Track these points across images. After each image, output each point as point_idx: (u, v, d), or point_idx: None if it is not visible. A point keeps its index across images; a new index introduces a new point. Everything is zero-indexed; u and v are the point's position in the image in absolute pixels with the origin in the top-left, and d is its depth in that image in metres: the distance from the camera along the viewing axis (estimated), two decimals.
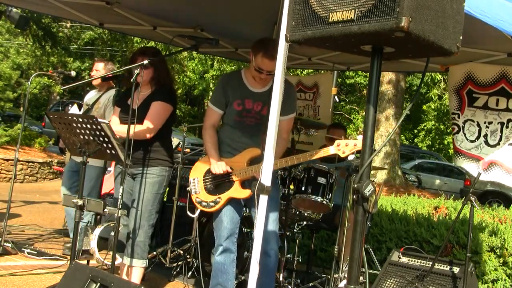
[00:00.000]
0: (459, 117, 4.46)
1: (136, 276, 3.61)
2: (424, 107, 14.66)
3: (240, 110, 3.33)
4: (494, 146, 4.18)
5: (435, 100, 15.04)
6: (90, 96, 5.15)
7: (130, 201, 3.60)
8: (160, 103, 3.57)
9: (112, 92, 4.98)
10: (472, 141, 4.32)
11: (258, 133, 3.33)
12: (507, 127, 4.13)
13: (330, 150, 2.95)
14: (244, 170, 3.23)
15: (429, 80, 15.99)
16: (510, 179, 4.07)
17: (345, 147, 2.90)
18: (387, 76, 13.88)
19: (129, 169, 3.59)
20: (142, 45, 19.10)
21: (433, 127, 24.84)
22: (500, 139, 4.15)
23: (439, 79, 15.39)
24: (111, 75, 4.12)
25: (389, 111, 14.19)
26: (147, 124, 3.49)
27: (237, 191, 3.25)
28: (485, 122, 4.26)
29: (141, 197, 3.57)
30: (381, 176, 13.71)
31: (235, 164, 3.29)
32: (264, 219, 2.37)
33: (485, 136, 4.23)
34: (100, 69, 5.03)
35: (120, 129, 3.43)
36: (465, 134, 4.38)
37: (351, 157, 2.97)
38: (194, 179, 3.43)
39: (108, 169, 5.93)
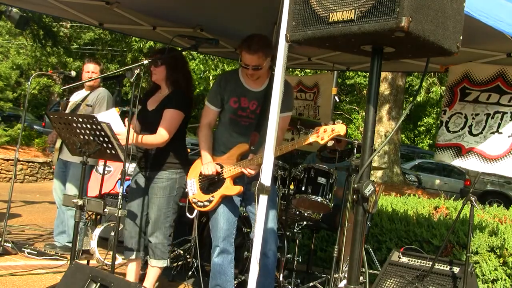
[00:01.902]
0: (445, 113, 4.54)
1: (152, 275, 3.67)
2: (410, 98, 14.55)
3: (235, 108, 3.34)
4: (476, 135, 4.24)
5: (422, 94, 14.98)
6: (77, 97, 5.09)
7: (145, 205, 3.65)
8: (172, 111, 3.55)
9: (99, 91, 4.95)
10: (454, 132, 4.39)
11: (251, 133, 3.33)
12: (492, 118, 4.18)
13: (310, 138, 2.87)
14: (233, 167, 3.23)
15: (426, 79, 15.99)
16: (486, 167, 4.11)
17: (324, 133, 2.80)
18: (382, 75, 13.88)
19: (143, 173, 3.66)
20: (141, 45, 19.09)
21: (434, 125, 24.85)
22: (484, 129, 4.21)
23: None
24: (112, 75, 4.12)
25: (388, 111, 14.19)
26: (160, 133, 3.50)
27: (229, 188, 3.25)
28: (472, 114, 4.33)
29: (155, 202, 3.59)
30: (380, 175, 13.70)
31: (226, 162, 3.30)
32: (264, 219, 2.37)
33: (470, 126, 4.31)
34: (91, 70, 4.99)
35: (139, 139, 3.45)
36: (448, 128, 4.44)
37: (330, 143, 2.85)
38: (191, 180, 3.44)
39: (108, 168, 5.93)
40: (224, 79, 3.43)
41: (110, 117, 3.52)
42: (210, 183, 3.33)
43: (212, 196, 3.29)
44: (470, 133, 4.28)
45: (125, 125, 3.51)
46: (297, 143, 3.00)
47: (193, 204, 3.43)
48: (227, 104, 3.37)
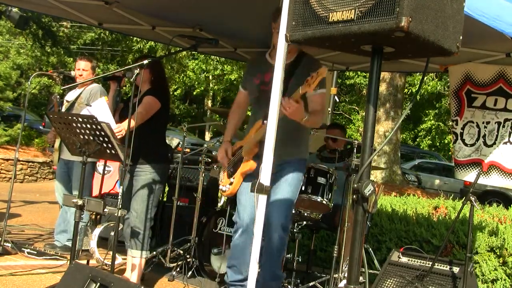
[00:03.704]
0: (457, 124, 4.44)
1: (134, 270, 3.78)
2: (406, 90, 14.37)
3: (258, 84, 3.32)
4: (491, 146, 4.17)
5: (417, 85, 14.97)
6: (72, 95, 5.06)
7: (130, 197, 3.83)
8: (148, 97, 3.84)
9: (91, 87, 4.92)
10: (471, 145, 4.28)
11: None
12: (503, 126, 4.12)
13: (300, 90, 2.79)
14: (248, 143, 3.21)
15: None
16: (508, 182, 4.06)
17: (311, 79, 2.71)
18: (381, 75, 13.83)
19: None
20: (141, 45, 19.13)
21: (433, 126, 24.84)
22: (496, 138, 4.14)
23: None
24: (112, 75, 4.12)
25: (387, 110, 14.19)
26: (137, 112, 3.68)
27: (244, 165, 3.23)
28: (483, 122, 4.26)
29: (136, 194, 3.79)
30: (379, 175, 13.70)
31: (245, 142, 3.30)
32: (263, 218, 2.36)
33: (484, 136, 4.22)
34: (81, 67, 4.92)
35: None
36: (463, 140, 4.33)
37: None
38: (220, 169, 3.46)
39: (108, 168, 5.92)
40: (251, 61, 3.49)
41: (99, 106, 3.61)
42: (234, 166, 3.33)
43: (233, 178, 3.29)
44: (485, 144, 4.18)
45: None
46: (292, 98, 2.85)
47: (221, 192, 3.43)
48: (251, 84, 3.38)
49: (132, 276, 3.80)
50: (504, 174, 4.07)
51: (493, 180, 4.12)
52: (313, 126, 3.22)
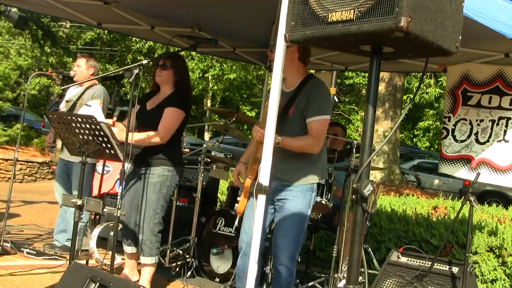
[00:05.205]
0: (449, 120, 4.45)
1: (145, 274, 3.72)
2: (404, 97, 14.39)
3: None
4: (484, 143, 4.19)
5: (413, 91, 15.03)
6: (72, 93, 5.05)
7: (136, 200, 3.71)
8: (172, 109, 3.64)
9: (95, 88, 4.89)
10: (462, 141, 4.30)
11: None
12: (497, 124, 4.14)
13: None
14: (250, 162, 3.17)
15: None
16: (497, 178, 4.08)
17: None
18: (380, 75, 13.83)
19: (136, 168, 3.74)
20: (140, 45, 19.11)
21: (431, 127, 24.84)
22: (490, 136, 4.16)
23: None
24: (111, 75, 4.11)
25: (386, 110, 14.19)
26: (160, 131, 3.57)
27: (245, 182, 3.17)
28: (477, 120, 4.28)
29: (144, 197, 3.66)
30: (379, 175, 13.70)
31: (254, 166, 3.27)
32: (263, 219, 2.36)
33: (476, 134, 4.25)
34: (81, 64, 4.93)
35: (137, 137, 3.45)
36: (454, 136, 4.35)
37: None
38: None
39: (107, 168, 5.91)
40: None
41: (92, 109, 3.56)
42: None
43: (239, 196, 3.28)
44: (477, 141, 4.19)
45: (124, 125, 3.55)
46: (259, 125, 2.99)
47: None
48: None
49: (142, 281, 3.72)
50: (494, 170, 4.09)
51: (481, 176, 4.12)
52: (300, 151, 3.08)
